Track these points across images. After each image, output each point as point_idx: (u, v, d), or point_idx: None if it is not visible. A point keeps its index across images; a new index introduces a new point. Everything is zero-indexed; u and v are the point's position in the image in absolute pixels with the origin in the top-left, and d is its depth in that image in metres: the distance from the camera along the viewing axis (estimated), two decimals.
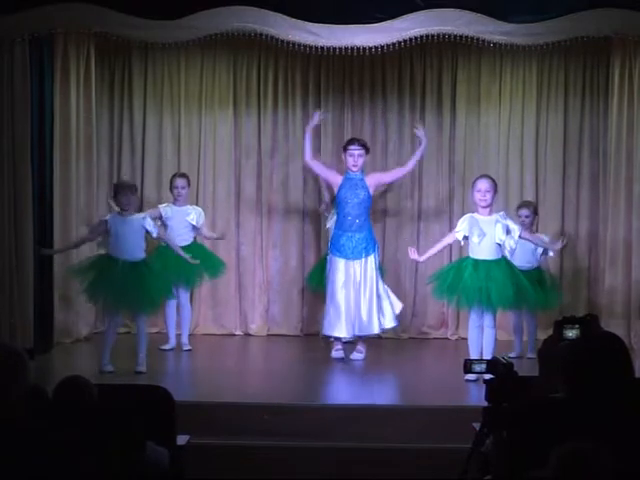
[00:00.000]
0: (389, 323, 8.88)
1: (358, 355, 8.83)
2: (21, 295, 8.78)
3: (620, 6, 8.71)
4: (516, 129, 10.19)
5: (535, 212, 9.08)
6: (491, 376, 4.31)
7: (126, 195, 8.17)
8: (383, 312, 8.81)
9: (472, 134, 10.24)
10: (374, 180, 8.97)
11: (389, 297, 8.91)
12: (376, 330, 8.84)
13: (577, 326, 4.27)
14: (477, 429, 4.44)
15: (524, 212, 8.98)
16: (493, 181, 8.35)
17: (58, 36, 8.93)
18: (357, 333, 8.80)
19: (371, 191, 8.91)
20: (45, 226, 9.02)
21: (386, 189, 10.11)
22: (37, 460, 3.66)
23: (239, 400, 7.30)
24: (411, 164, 9.10)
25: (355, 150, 8.84)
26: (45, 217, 9.01)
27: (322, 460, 6.56)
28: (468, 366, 4.37)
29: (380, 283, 8.85)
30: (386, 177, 9.23)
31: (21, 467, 3.62)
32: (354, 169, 8.84)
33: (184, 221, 9.19)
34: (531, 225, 9.00)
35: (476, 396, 6.88)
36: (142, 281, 8.03)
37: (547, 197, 10.15)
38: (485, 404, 4.31)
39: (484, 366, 4.33)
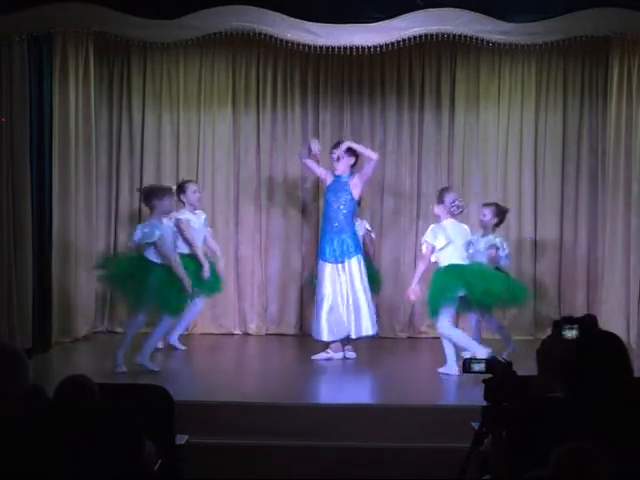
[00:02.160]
0: (370, 330, 8.83)
1: (351, 354, 8.87)
2: (20, 294, 8.78)
3: (619, 5, 8.71)
4: (515, 128, 10.20)
5: (495, 214, 8.81)
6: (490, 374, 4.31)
7: (148, 201, 8.11)
8: (366, 316, 8.79)
9: (471, 133, 10.25)
10: (356, 180, 8.88)
11: (371, 304, 8.91)
12: (369, 332, 8.84)
13: (576, 326, 4.27)
14: (476, 428, 4.44)
15: (481, 211, 8.92)
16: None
17: (57, 35, 8.92)
18: (349, 335, 8.80)
19: (356, 193, 8.85)
20: (44, 225, 9.01)
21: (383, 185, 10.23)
22: (37, 459, 3.67)
23: (238, 399, 7.30)
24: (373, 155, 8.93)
25: (332, 154, 8.88)
26: (44, 216, 9.01)
27: (321, 459, 6.56)
28: (467, 365, 4.37)
29: (366, 286, 8.83)
30: (362, 175, 8.95)
31: (21, 467, 3.62)
32: (337, 172, 8.86)
33: (200, 227, 9.11)
34: (489, 226, 8.78)
35: (475, 395, 6.88)
36: (172, 283, 7.97)
37: (546, 195, 10.17)
38: (484, 403, 4.31)
39: (483, 365, 4.32)
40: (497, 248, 8.71)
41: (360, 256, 8.85)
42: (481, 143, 10.25)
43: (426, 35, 8.81)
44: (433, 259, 8.36)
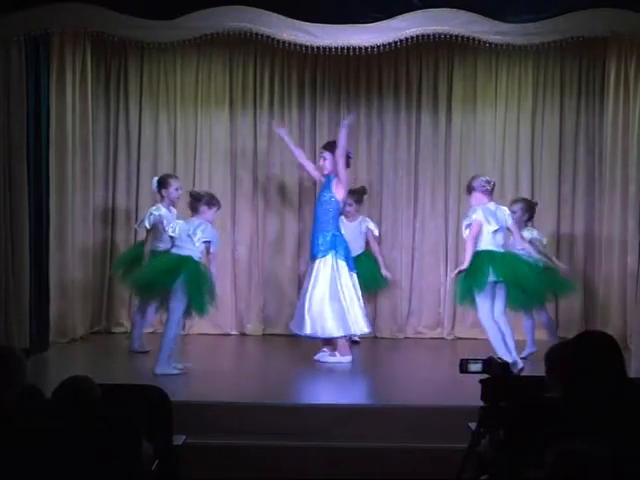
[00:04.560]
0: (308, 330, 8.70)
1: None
2: (17, 295, 8.77)
3: (616, 6, 8.71)
4: (512, 128, 10.20)
5: (525, 210, 8.87)
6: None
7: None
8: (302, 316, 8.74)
9: (468, 133, 10.26)
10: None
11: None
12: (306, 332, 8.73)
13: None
14: (473, 429, 4.44)
15: (510, 209, 8.79)
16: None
17: (54, 36, 8.91)
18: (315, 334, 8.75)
19: (339, 193, 8.74)
20: (41, 226, 9.00)
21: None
22: (35, 459, 3.67)
23: (235, 400, 7.29)
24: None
25: (322, 154, 8.89)
26: (41, 217, 8.99)
27: (318, 460, 6.55)
28: (464, 366, 4.38)
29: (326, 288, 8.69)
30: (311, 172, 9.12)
31: (19, 466, 3.62)
32: (324, 171, 8.84)
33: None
34: (521, 223, 8.74)
35: (472, 396, 6.89)
36: None
37: (543, 196, 10.16)
38: (481, 404, 4.31)
39: (480, 366, 4.33)
40: (539, 241, 8.75)
41: (338, 256, 8.70)
42: (478, 143, 10.25)
43: (423, 35, 8.80)
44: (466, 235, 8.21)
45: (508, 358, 7.63)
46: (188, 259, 8.03)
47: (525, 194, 10.11)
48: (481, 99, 10.23)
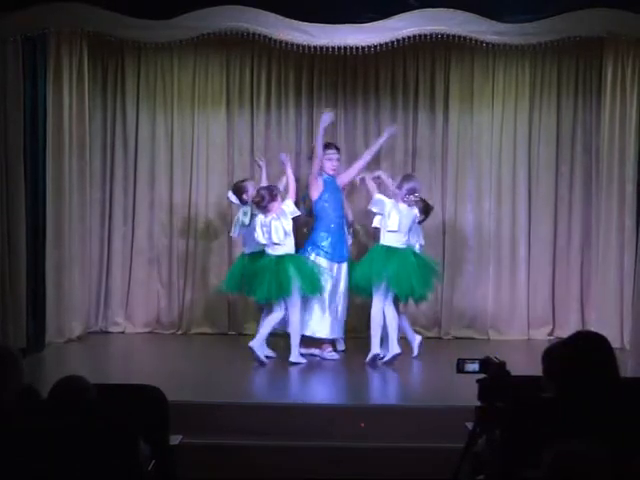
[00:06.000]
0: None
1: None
2: (14, 295, 8.77)
3: (613, 6, 8.73)
4: (509, 128, 10.19)
5: (422, 209, 8.91)
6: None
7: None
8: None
9: (465, 133, 10.25)
10: (340, 181, 9.16)
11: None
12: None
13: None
14: (470, 429, 4.44)
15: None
16: None
17: (51, 36, 8.91)
18: (338, 335, 8.99)
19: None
20: (38, 226, 9.01)
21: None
22: (31, 459, 3.66)
23: (232, 400, 7.29)
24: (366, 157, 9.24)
25: (334, 155, 9.06)
26: (38, 217, 9.00)
27: (316, 460, 6.56)
28: (461, 365, 4.38)
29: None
30: (345, 177, 9.25)
31: (16, 466, 3.62)
32: (332, 172, 9.03)
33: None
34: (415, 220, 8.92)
35: (469, 395, 6.89)
36: None
37: (540, 195, 10.17)
38: (478, 404, 4.31)
39: (477, 365, 4.33)
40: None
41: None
42: (475, 143, 10.24)
43: (420, 35, 8.81)
44: (376, 224, 8.64)
45: (377, 349, 8.41)
46: (284, 259, 8.47)
47: (522, 193, 10.12)
48: (478, 99, 10.22)
